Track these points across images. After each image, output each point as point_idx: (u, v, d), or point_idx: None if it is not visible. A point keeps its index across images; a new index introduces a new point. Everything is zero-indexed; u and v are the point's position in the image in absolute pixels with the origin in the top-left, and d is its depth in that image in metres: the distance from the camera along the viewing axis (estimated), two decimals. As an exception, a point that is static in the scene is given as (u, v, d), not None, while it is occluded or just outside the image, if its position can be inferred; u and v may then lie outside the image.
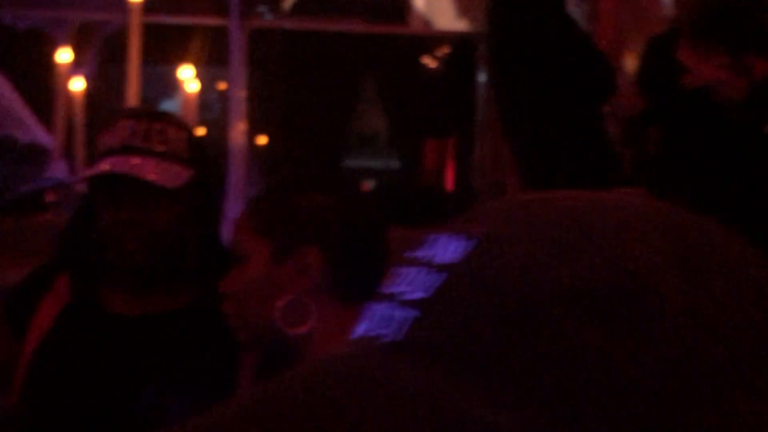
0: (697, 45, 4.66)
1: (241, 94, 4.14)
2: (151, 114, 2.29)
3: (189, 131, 2.29)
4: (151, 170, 2.15)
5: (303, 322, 1.78)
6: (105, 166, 2.15)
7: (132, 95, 2.75)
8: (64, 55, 6.94)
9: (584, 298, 0.51)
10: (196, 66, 6.35)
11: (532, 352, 0.50)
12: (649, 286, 0.51)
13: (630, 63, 5.16)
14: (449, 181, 7.58)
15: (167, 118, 2.29)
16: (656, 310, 0.51)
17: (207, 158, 2.31)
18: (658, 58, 4.80)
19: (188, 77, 2.73)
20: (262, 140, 8.74)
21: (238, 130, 4.13)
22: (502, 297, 0.52)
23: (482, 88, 6.36)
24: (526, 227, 0.54)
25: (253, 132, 8.56)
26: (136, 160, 2.15)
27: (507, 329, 0.51)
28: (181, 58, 4.94)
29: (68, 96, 6.87)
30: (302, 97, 9.08)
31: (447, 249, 0.55)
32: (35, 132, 6.72)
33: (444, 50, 7.53)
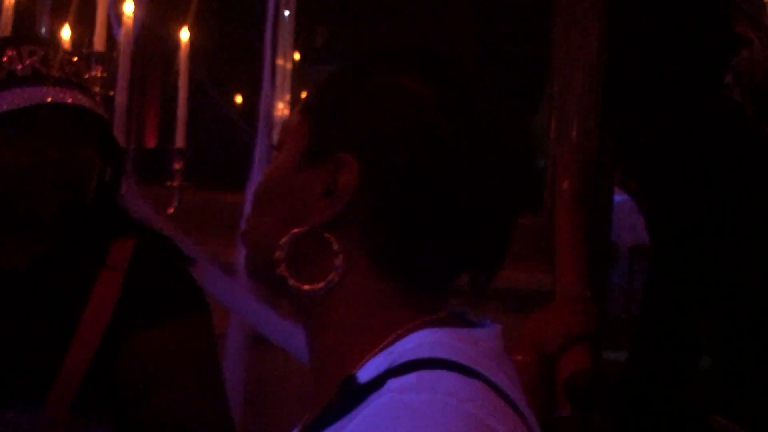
0: None
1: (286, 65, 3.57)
2: (43, 41, 2.17)
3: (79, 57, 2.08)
4: (81, 100, 1.94)
5: (317, 275, 1.11)
6: (44, 94, 1.89)
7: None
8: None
9: None
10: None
11: None
12: None
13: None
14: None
15: (60, 44, 2.18)
16: None
17: None
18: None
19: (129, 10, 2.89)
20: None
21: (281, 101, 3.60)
22: None
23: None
24: None
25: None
26: (64, 90, 1.92)
27: None
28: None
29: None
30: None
31: None
32: None
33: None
